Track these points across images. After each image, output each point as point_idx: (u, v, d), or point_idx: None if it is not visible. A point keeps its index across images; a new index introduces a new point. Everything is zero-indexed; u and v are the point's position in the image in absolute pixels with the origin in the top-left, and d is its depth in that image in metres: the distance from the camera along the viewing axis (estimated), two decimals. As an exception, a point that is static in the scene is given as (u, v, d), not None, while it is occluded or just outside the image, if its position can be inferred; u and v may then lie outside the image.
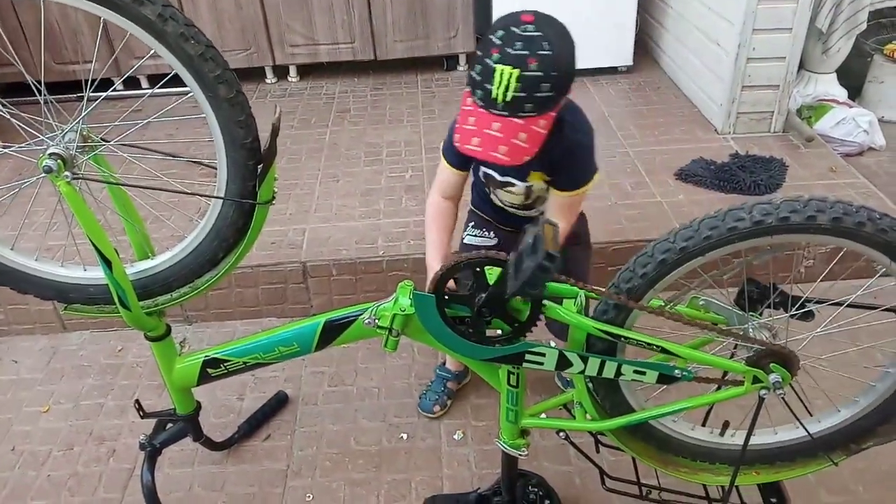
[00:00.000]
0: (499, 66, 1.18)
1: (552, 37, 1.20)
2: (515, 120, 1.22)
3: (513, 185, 1.52)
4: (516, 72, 1.17)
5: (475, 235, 1.75)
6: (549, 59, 1.19)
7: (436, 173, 1.59)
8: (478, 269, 1.18)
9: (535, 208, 1.60)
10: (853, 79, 3.37)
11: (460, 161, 1.51)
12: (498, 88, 1.19)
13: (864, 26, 3.05)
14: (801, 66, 3.20)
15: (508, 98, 1.19)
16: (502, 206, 1.62)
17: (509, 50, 1.18)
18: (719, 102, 2.91)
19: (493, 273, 1.18)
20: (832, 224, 1.13)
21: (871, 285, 1.28)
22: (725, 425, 1.44)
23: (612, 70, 3.52)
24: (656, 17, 3.61)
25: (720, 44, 2.86)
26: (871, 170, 2.83)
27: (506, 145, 1.22)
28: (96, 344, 2.29)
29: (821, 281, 1.40)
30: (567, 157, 1.43)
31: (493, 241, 1.73)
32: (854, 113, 3.00)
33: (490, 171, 1.54)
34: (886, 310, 1.29)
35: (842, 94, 3.26)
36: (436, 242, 1.53)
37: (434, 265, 1.49)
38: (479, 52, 1.24)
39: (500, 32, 1.21)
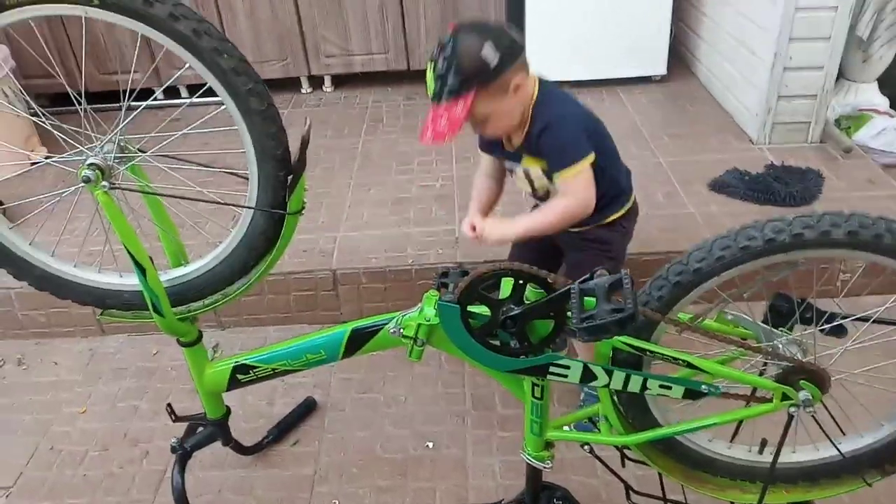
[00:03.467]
0: (428, 65, 1.43)
1: (458, 40, 1.41)
2: (439, 107, 1.43)
3: (515, 169, 1.64)
4: (432, 63, 1.42)
5: None
6: (451, 56, 1.40)
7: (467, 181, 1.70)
8: (520, 283, 1.19)
9: (549, 198, 1.64)
10: (895, 87, 3.28)
11: (485, 146, 1.69)
12: (429, 83, 1.44)
13: (908, 34, 2.98)
14: (841, 74, 3.13)
15: (436, 88, 1.42)
16: (528, 195, 1.72)
17: (435, 50, 1.43)
18: (754, 112, 2.86)
19: (533, 291, 1.19)
20: (848, 238, 1.11)
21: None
22: (763, 443, 1.41)
23: (646, 79, 3.49)
24: (691, 26, 3.57)
25: (756, 52, 2.82)
26: (913, 181, 2.75)
27: (432, 129, 1.43)
28: (133, 347, 2.35)
29: (849, 296, 1.38)
30: (545, 137, 1.52)
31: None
32: (895, 123, 2.93)
33: (501, 159, 1.68)
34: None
35: (883, 103, 3.18)
36: (473, 201, 1.72)
37: (469, 215, 1.66)
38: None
39: (447, 37, 1.43)
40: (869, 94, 3.18)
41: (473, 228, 1.61)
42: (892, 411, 1.38)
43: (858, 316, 1.27)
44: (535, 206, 1.75)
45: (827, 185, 2.57)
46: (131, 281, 1.40)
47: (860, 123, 2.98)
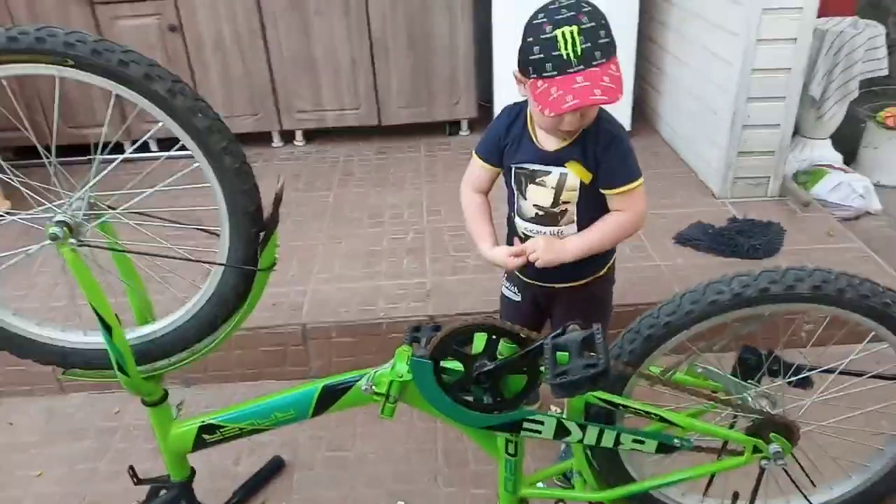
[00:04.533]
0: (558, 31, 1.29)
1: (585, 1, 1.32)
2: (593, 69, 1.30)
3: (547, 173, 1.52)
4: (574, 28, 1.28)
5: (507, 288, 1.79)
6: (592, 12, 1.31)
7: (438, 233, 1.63)
8: (493, 338, 1.19)
9: (559, 224, 1.56)
10: (848, 144, 3.43)
11: (494, 158, 1.59)
12: (566, 49, 1.29)
13: (856, 94, 3.14)
14: (797, 131, 3.27)
15: (578, 52, 1.29)
16: (528, 220, 1.59)
17: (558, 17, 1.30)
18: (716, 168, 2.96)
19: (506, 346, 1.19)
20: (812, 292, 1.15)
21: (868, 349, 1.29)
22: (735, 496, 1.41)
23: (611, 135, 3.58)
24: (653, 84, 3.71)
25: (716, 111, 2.93)
26: (869, 234, 2.85)
27: (598, 88, 1.30)
28: (93, 406, 2.28)
29: (815, 346, 1.41)
30: (608, 148, 1.48)
31: (518, 298, 1.75)
32: (849, 178, 3.05)
33: (525, 165, 1.54)
34: (873, 377, 1.29)
35: (837, 159, 3.32)
36: (482, 232, 1.60)
37: (491, 254, 1.56)
38: (528, 39, 1.33)
39: (541, 14, 1.32)
40: (823, 150, 3.32)
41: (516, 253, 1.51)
42: (860, 463, 1.40)
43: (824, 368, 1.30)
44: (510, 228, 1.67)
45: (788, 239, 2.64)
46: (96, 339, 1.37)
47: (816, 178, 3.09)
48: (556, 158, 1.50)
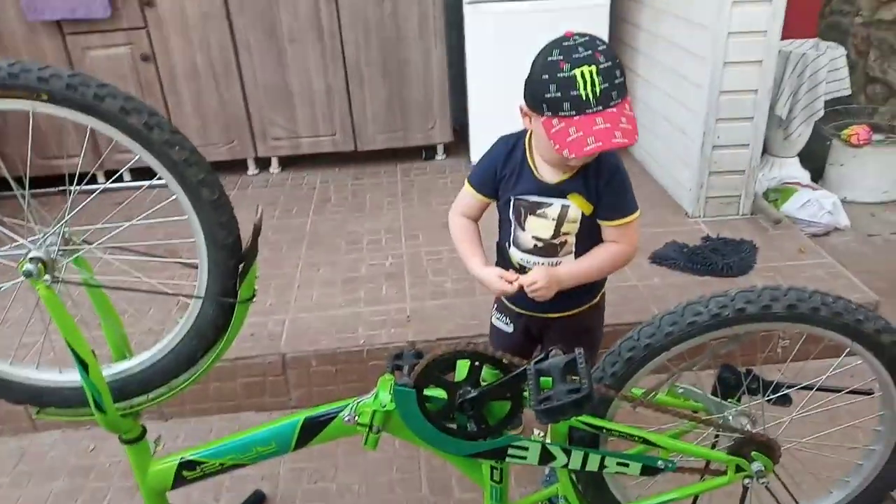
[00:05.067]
0: (577, 70, 1.28)
1: (600, 41, 1.32)
2: (610, 110, 1.29)
3: (548, 205, 1.51)
4: (594, 68, 1.27)
5: (497, 319, 1.76)
6: (608, 51, 1.31)
7: (416, 259, 1.62)
8: (476, 364, 1.19)
9: (557, 255, 1.56)
10: (815, 162, 3.51)
11: (487, 188, 1.59)
12: (585, 89, 1.28)
13: (822, 113, 3.22)
14: (765, 150, 3.34)
15: (598, 93, 1.28)
16: (525, 251, 1.58)
17: (576, 56, 1.28)
18: (688, 187, 3.01)
19: (490, 373, 1.19)
20: (788, 311, 1.17)
21: (844, 365, 1.31)
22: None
23: (585, 157, 3.63)
24: (625, 107, 3.76)
25: (686, 132, 2.99)
26: (839, 249, 2.91)
27: (618, 130, 1.29)
28: (67, 444, 2.22)
29: (793, 362, 1.43)
30: (609, 180, 1.49)
31: (510, 329, 1.73)
32: (818, 195, 3.12)
33: (524, 197, 1.53)
34: (850, 392, 1.32)
35: (805, 176, 3.39)
36: (471, 252, 1.59)
37: (482, 273, 1.54)
38: (544, 76, 1.31)
39: (556, 51, 1.31)
40: (792, 169, 3.40)
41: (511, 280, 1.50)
42: (841, 478, 1.42)
43: (802, 385, 1.32)
44: (499, 256, 1.66)
45: (761, 256, 2.69)
46: (72, 377, 1.34)
47: (786, 196, 3.16)
48: (559, 190, 1.50)
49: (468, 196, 1.63)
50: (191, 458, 1.38)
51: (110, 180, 1.47)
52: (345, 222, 3.16)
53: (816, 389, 1.32)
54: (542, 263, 1.55)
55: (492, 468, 1.31)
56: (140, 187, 1.46)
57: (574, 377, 1.14)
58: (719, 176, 2.93)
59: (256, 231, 1.26)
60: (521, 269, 1.59)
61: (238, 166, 3.72)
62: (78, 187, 1.25)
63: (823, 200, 3.08)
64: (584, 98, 1.28)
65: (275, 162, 3.75)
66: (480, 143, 3.55)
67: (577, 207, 1.50)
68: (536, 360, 1.18)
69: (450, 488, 1.96)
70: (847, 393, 1.32)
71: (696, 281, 2.55)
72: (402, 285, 2.60)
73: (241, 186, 3.62)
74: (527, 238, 1.56)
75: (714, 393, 1.34)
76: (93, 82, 1.12)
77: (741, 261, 2.61)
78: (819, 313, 1.17)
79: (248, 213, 1.26)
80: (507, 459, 1.26)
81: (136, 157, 1.19)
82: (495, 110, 3.37)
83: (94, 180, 3.34)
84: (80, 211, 1.27)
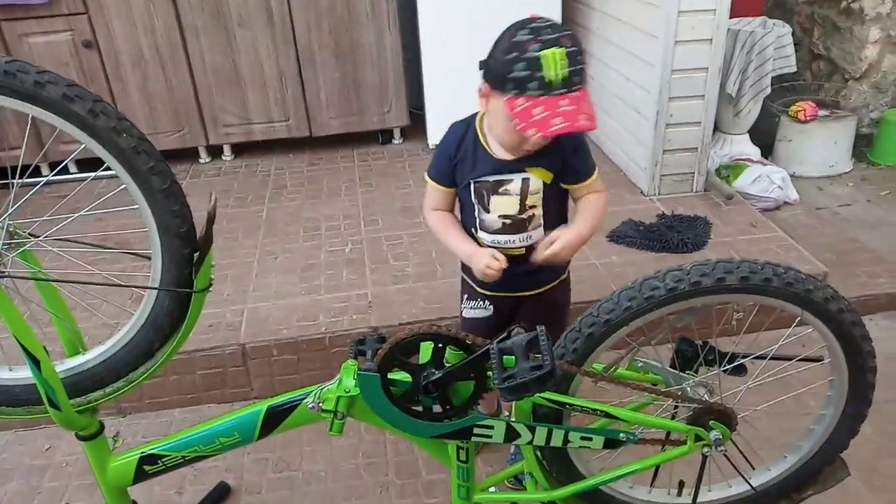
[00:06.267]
0: (546, 52, 1.28)
1: (564, 28, 1.33)
2: (574, 94, 1.31)
3: (509, 181, 1.51)
4: (561, 50, 1.28)
5: (472, 308, 1.72)
6: (573, 36, 1.32)
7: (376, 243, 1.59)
8: (439, 346, 1.19)
9: (527, 230, 1.55)
10: (764, 138, 3.60)
11: (447, 179, 1.58)
12: (551, 70, 1.28)
13: (769, 90, 3.29)
14: (717, 128, 3.41)
15: (564, 75, 1.29)
16: (494, 232, 1.56)
17: (544, 38, 1.29)
18: (643, 166, 3.05)
19: (453, 354, 1.19)
20: (741, 283, 1.20)
21: (795, 334, 1.36)
22: (681, 485, 1.46)
23: (541, 138, 3.65)
24: (579, 87, 3.79)
25: (640, 111, 3.03)
26: (788, 223, 2.99)
27: (583, 113, 1.31)
28: (21, 444, 2.16)
29: (747, 333, 1.46)
30: (577, 147, 1.52)
31: (490, 312, 1.69)
32: (768, 170, 3.20)
33: (484, 178, 1.52)
34: (802, 359, 1.36)
35: (755, 152, 3.47)
36: (458, 237, 1.58)
37: (473, 252, 1.53)
38: (511, 54, 1.30)
39: (524, 31, 1.31)
40: (742, 145, 3.48)
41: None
42: (794, 443, 1.47)
43: (756, 354, 1.35)
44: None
45: (714, 231, 2.75)
46: (23, 374, 1.30)
47: (738, 172, 3.23)
48: (516, 165, 1.50)
49: (432, 191, 1.62)
50: (151, 451, 1.35)
51: (54, 172, 1.42)
52: (301, 209, 3.12)
53: (770, 358, 1.36)
54: (513, 241, 1.56)
55: (458, 448, 1.32)
56: (88, 178, 1.42)
57: (537, 355, 1.15)
58: (672, 154, 2.98)
59: (210, 219, 1.23)
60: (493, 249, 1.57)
61: (189, 154, 3.63)
62: (21, 180, 1.21)
63: (773, 175, 3.16)
64: (549, 79, 1.28)
65: (227, 149, 3.68)
66: (437, 126, 3.54)
67: (537, 178, 1.51)
68: (499, 339, 1.18)
69: (417, 470, 1.97)
70: (798, 361, 1.37)
71: (653, 257, 2.59)
72: (363, 271, 2.59)
73: (192, 175, 3.54)
74: (493, 219, 1.55)
75: (672, 365, 1.37)
76: (32, 69, 1.07)
77: (696, 237, 2.67)
78: (771, 284, 1.20)
79: (202, 202, 1.23)
80: (473, 439, 1.27)
81: (82, 147, 1.15)
82: (451, 92, 3.38)
83: (37, 172, 3.22)
84: (25, 204, 1.22)
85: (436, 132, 3.55)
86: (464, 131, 1.55)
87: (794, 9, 4.04)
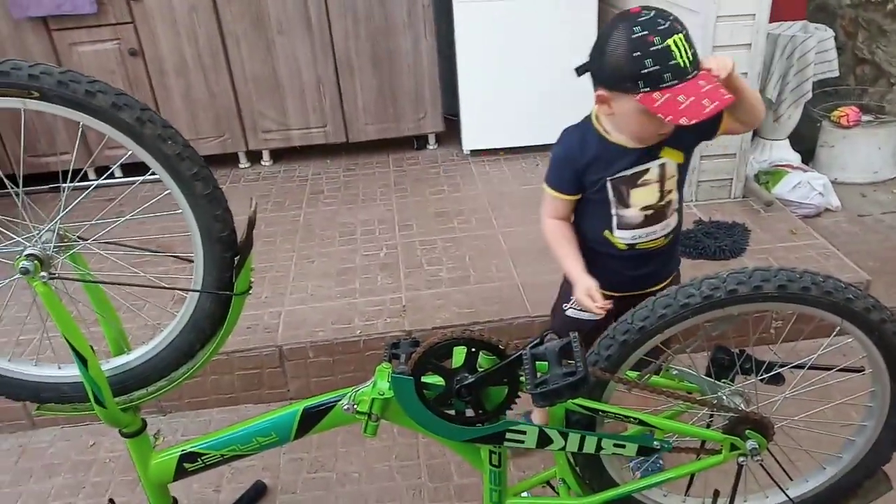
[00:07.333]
0: (669, 41, 1.29)
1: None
2: (703, 72, 1.33)
3: (646, 171, 1.49)
4: (681, 35, 1.31)
5: (580, 309, 1.64)
6: (677, 18, 1.33)
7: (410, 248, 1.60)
8: (472, 350, 1.20)
9: (667, 216, 1.55)
10: (805, 143, 3.53)
11: (570, 187, 1.56)
12: (681, 57, 1.30)
13: (810, 95, 3.23)
14: (756, 133, 3.36)
15: (691, 57, 1.31)
16: (635, 227, 1.55)
17: (661, 28, 1.30)
18: (680, 172, 3.02)
19: (486, 359, 1.20)
20: (779, 292, 1.18)
21: (835, 344, 1.33)
22: (716, 494, 1.44)
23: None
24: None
25: (677, 117, 2.99)
26: (830, 230, 2.93)
27: (721, 89, 1.31)
28: (67, 440, 2.23)
29: (785, 342, 1.44)
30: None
31: (601, 315, 1.55)
32: (808, 177, 3.13)
33: (622, 173, 1.50)
34: (840, 370, 1.33)
35: (795, 158, 3.41)
36: (570, 254, 1.57)
37: (580, 276, 1.52)
38: (635, 53, 1.30)
39: (637, 27, 1.31)
40: (782, 151, 3.41)
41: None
42: (833, 454, 1.44)
43: (794, 364, 1.33)
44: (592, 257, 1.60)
45: (753, 238, 2.71)
46: (71, 372, 1.34)
47: (777, 178, 3.17)
48: (654, 151, 1.49)
49: (553, 200, 1.59)
50: (192, 449, 1.39)
51: (103, 177, 1.47)
52: (338, 214, 3.17)
53: (808, 368, 1.34)
54: (655, 233, 1.56)
55: (490, 452, 1.32)
56: (134, 182, 1.46)
57: (570, 361, 1.15)
58: (711, 160, 2.94)
59: (251, 224, 1.26)
60: (632, 249, 1.57)
61: (229, 160, 3.71)
62: (71, 184, 1.26)
63: (814, 182, 3.10)
64: (682, 65, 1.30)
65: (266, 155, 3.75)
66: (472, 132, 3.55)
67: (672, 161, 1.51)
68: (532, 344, 1.19)
69: (449, 474, 1.98)
70: (838, 371, 1.34)
71: (690, 264, 2.56)
72: (397, 275, 2.61)
73: (232, 180, 3.61)
74: (634, 213, 1.53)
75: (708, 374, 1.35)
76: (83, 79, 1.12)
77: (733, 244, 2.63)
78: (809, 293, 1.19)
79: (242, 207, 1.27)
80: (506, 444, 1.27)
81: (129, 153, 1.20)
82: (486, 98, 3.39)
83: (85, 177, 3.33)
84: (74, 208, 1.27)
85: (471, 138, 3.56)
86: (582, 134, 1.53)
87: (837, 12, 3.96)
